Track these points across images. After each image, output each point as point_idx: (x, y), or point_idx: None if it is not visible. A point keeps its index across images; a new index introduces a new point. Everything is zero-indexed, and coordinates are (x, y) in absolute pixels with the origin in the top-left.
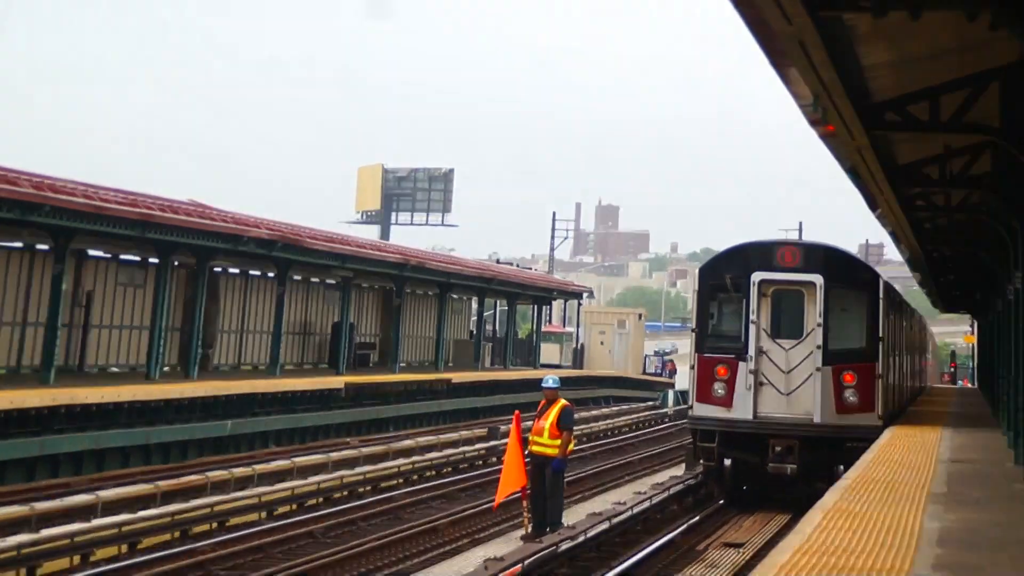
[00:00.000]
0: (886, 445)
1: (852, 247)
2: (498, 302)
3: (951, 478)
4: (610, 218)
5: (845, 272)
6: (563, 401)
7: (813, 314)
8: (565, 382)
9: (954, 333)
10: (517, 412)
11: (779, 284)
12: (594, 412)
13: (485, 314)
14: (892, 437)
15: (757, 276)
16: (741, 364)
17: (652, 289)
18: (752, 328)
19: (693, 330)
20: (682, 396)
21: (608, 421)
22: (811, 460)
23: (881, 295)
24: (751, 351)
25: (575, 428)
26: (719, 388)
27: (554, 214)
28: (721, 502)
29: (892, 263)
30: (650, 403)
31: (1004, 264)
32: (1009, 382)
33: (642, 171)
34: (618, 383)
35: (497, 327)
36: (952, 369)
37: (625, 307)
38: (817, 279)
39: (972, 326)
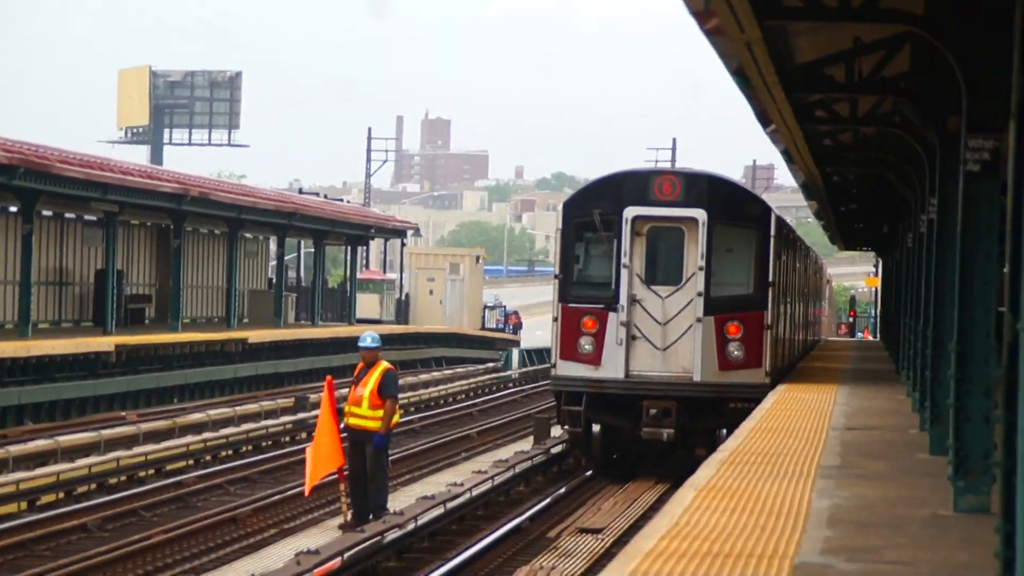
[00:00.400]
0: (772, 409)
1: (737, 171)
2: (302, 243)
3: (845, 448)
4: (440, 136)
5: (732, 206)
6: (385, 364)
7: (694, 256)
8: (387, 340)
9: (855, 275)
10: (329, 378)
11: (655, 221)
12: (423, 377)
13: (287, 258)
14: (779, 399)
15: (630, 212)
16: (611, 315)
17: (492, 225)
18: (624, 273)
19: (556, 276)
20: (528, 356)
21: (440, 387)
22: (690, 424)
23: (772, 232)
24: (622, 300)
25: (400, 396)
26: (586, 343)
27: (370, 131)
28: (589, 473)
29: (784, 189)
30: (491, 365)
31: (917, 190)
32: (916, 333)
33: (481, 82)
34: (452, 341)
35: (302, 274)
36: (851, 319)
37: (459, 248)
38: (699, 214)
39: (876, 267)
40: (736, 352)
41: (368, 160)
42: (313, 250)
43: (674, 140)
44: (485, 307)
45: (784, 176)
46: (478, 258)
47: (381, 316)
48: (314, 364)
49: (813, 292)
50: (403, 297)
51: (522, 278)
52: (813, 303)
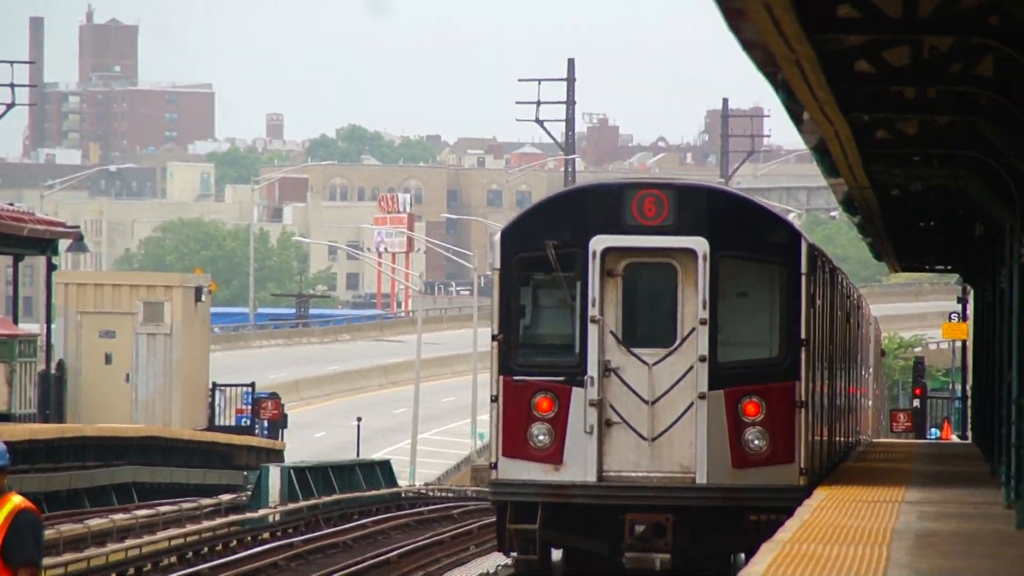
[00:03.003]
0: (811, 525)
1: (693, 118)
2: None
3: None
4: (116, 57)
5: (744, 231)
6: (16, 500)
7: (692, 304)
8: (24, 454)
9: (916, 317)
10: None
11: (635, 254)
12: (94, 525)
13: None
14: (822, 509)
15: (599, 242)
16: (575, 391)
17: (224, 227)
18: (592, 331)
19: (495, 337)
20: (301, 478)
21: (125, 546)
22: (694, 546)
23: (804, 268)
24: (591, 369)
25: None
26: (540, 433)
27: None
28: None
29: (781, 155)
30: (227, 499)
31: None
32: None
33: None
34: (151, 453)
35: None
36: (915, 400)
37: (163, 272)
38: (698, 244)
39: (961, 306)
40: (757, 441)
41: None
42: None
43: (570, 62)
44: (215, 386)
45: (782, 133)
46: (200, 291)
47: (10, 406)
48: None
49: (858, 354)
50: (53, 369)
51: (288, 332)
52: (855, 372)
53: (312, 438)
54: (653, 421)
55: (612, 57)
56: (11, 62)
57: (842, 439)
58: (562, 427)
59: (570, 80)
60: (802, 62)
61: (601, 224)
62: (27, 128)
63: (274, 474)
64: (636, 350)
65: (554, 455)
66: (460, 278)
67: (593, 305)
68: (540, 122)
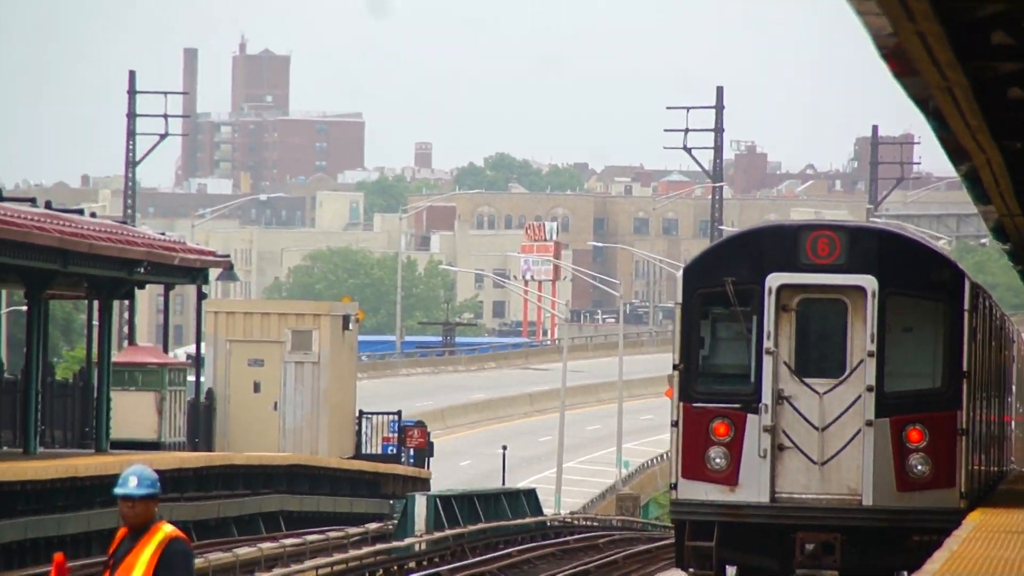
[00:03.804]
0: (971, 542)
1: (843, 144)
2: (3, 295)
3: None
4: (271, 86)
5: (911, 270)
6: (167, 530)
7: (861, 338)
8: (173, 483)
9: None
10: (59, 557)
11: (808, 291)
12: (244, 552)
13: None
14: (980, 529)
15: (774, 279)
16: (750, 418)
17: (372, 255)
18: (767, 361)
19: (676, 366)
20: (447, 507)
21: (275, 574)
22: (860, 563)
23: (966, 305)
24: (766, 397)
25: None
26: (717, 456)
27: (132, 79)
28: None
29: (932, 183)
30: (373, 528)
31: None
32: None
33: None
34: (299, 481)
35: (3, 355)
36: None
37: (311, 300)
38: (868, 282)
39: None
40: (920, 466)
41: (131, 137)
42: (26, 307)
43: (719, 89)
44: (362, 414)
45: (932, 160)
46: (348, 319)
47: (160, 435)
48: (29, 532)
49: (1011, 384)
50: (203, 398)
51: (435, 360)
52: (1007, 401)
53: (458, 466)
54: (823, 446)
55: (760, 83)
56: (165, 93)
57: (995, 468)
58: (738, 451)
59: (719, 108)
60: (955, 90)
61: (777, 262)
62: (180, 158)
63: (420, 503)
64: (808, 380)
65: (730, 477)
66: (606, 306)
67: (768, 337)
68: (688, 150)
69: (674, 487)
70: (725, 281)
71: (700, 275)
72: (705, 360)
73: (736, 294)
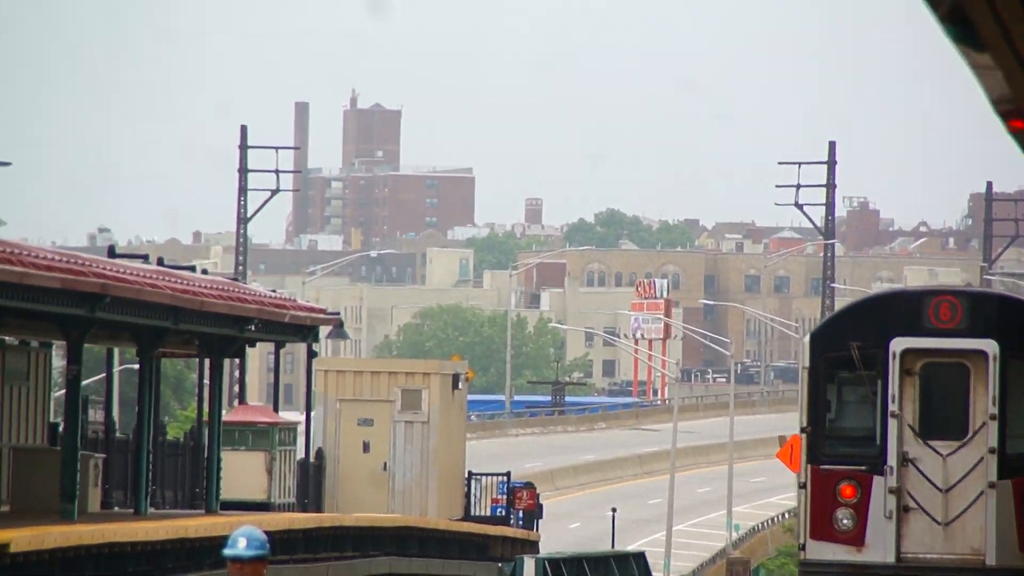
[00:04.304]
0: None
1: (958, 198)
2: (116, 353)
3: None
4: (382, 141)
5: None
6: None
7: (983, 401)
8: (282, 544)
9: None
10: None
11: (932, 355)
12: None
13: (85, 382)
14: None
15: (899, 344)
16: (876, 479)
17: (482, 312)
18: (892, 424)
19: (804, 429)
20: (550, 568)
21: None
22: None
23: None
24: (891, 459)
25: None
26: (844, 517)
27: (244, 133)
28: None
29: None
30: None
31: None
32: None
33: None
34: (408, 543)
35: (117, 415)
36: None
37: (421, 359)
38: (989, 346)
39: None
40: None
41: (242, 192)
42: (138, 366)
43: (831, 144)
44: (471, 475)
45: None
46: (458, 378)
47: (270, 495)
48: None
49: None
50: (312, 457)
51: (544, 420)
52: None
53: (567, 529)
54: (947, 507)
55: (873, 138)
56: (276, 148)
57: None
58: (864, 512)
59: (831, 163)
60: None
61: (900, 327)
62: (290, 214)
63: (529, 566)
64: (931, 442)
65: (857, 537)
66: (716, 365)
67: (893, 401)
68: (800, 206)
69: (803, 548)
70: (851, 346)
71: (826, 340)
72: (831, 423)
73: (861, 358)
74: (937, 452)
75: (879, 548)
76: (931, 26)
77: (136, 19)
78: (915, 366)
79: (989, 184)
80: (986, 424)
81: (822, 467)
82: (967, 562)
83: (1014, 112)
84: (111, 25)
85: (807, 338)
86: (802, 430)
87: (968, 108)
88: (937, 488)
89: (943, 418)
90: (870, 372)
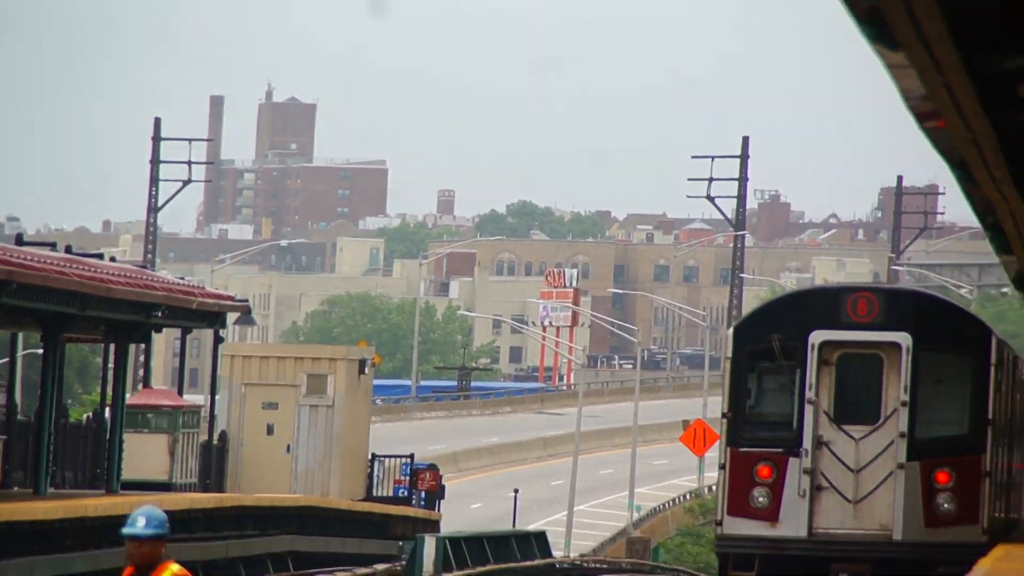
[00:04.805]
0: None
1: (865, 196)
2: (20, 338)
3: None
4: (294, 134)
5: (942, 328)
6: (173, 569)
7: (895, 389)
8: (182, 524)
9: None
10: None
11: (848, 347)
12: None
13: None
14: (1004, 559)
15: (817, 336)
16: (792, 461)
17: (390, 301)
18: (808, 410)
19: (725, 415)
20: (456, 549)
21: None
22: None
23: (993, 360)
24: (806, 442)
25: None
26: (760, 495)
27: (157, 125)
28: None
29: (955, 232)
30: (382, 569)
31: None
32: None
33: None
34: (310, 522)
35: (19, 398)
36: None
37: (327, 345)
38: (903, 339)
39: None
40: (947, 505)
41: (153, 183)
42: (42, 351)
43: (745, 140)
44: (374, 457)
45: (955, 210)
46: (364, 363)
47: (172, 476)
48: (35, 571)
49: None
50: (216, 440)
51: (449, 404)
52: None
53: (469, 509)
54: (858, 486)
55: (785, 132)
56: (189, 140)
57: (1014, 514)
58: (779, 490)
59: (743, 157)
60: (980, 141)
61: (819, 321)
62: (202, 204)
63: (429, 544)
64: (845, 427)
65: (772, 514)
66: (623, 351)
67: (810, 388)
68: (711, 198)
69: (719, 523)
70: (772, 338)
71: (748, 332)
72: (751, 409)
73: (782, 349)
74: (850, 436)
75: (792, 523)
76: (845, 21)
77: (51, 10)
78: (832, 357)
79: (900, 178)
80: (897, 410)
81: (741, 449)
82: (876, 536)
83: (931, 114)
84: (22, 16)
85: (731, 330)
86: (723, 415)
87: (880, 104)
88: (849, 468)
89: (857, 404)
90: (790, 362)
